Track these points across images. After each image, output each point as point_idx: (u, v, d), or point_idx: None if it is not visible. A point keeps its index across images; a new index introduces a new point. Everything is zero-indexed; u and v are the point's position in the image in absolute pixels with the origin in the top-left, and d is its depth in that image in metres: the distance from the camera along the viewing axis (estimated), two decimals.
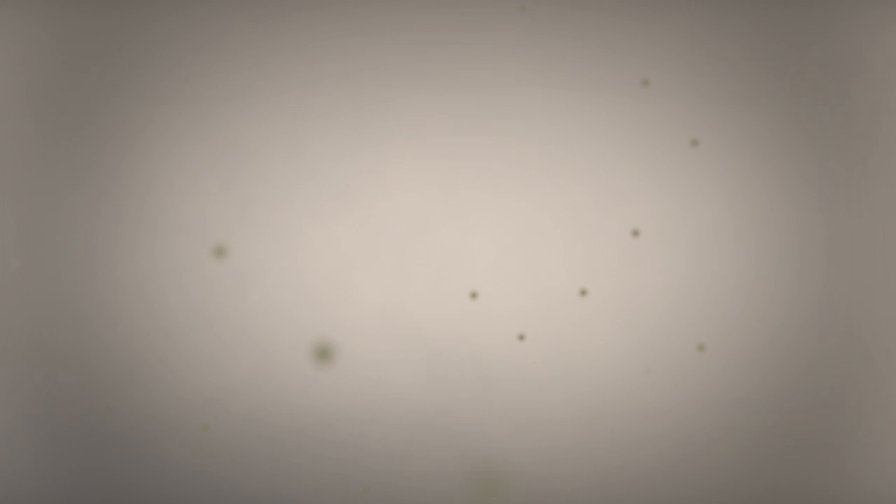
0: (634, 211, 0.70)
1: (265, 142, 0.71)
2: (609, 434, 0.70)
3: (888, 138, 0.69)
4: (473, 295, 0.70)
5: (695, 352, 0.70)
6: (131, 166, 0.71)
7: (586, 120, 0.70)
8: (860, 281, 0.69)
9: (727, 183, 0.70)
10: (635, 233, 0.69)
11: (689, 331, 0.70)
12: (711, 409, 0.70)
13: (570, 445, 0.70)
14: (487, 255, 0.70)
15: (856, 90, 0.69)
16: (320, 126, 0.71)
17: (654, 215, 0.70)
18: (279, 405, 0.70)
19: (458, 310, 0.70)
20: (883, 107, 0.69)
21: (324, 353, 0.70)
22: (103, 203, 0.71)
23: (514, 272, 0.70)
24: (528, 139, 0.70)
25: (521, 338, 0.70)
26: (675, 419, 0.70)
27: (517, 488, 0.70)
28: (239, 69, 0.71)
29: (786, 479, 0.70)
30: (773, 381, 0.70)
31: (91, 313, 0.70)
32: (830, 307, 0.69)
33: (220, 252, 0.70)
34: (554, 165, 0.70)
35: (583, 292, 0.70)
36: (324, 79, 0.71)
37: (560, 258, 0.70)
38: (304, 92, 0.71)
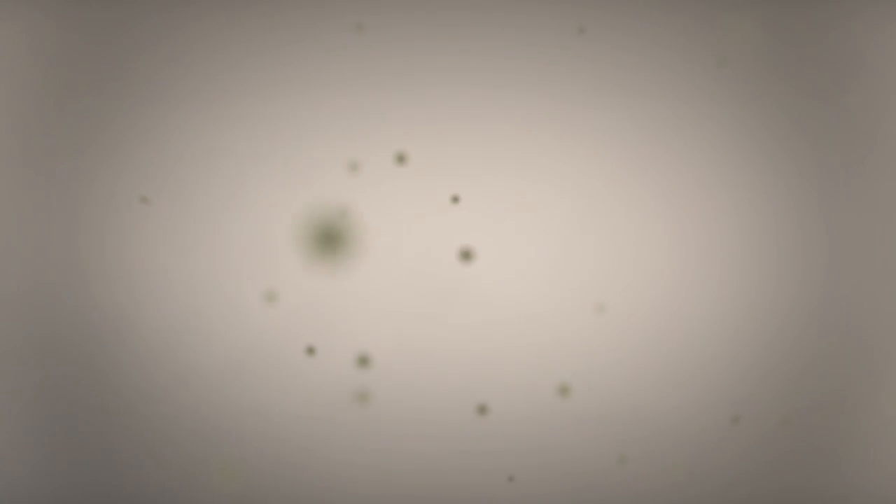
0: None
1: (255, 143, 0.70)
2: (607, 434, 0.70)
3: (888, 138, 0.69)
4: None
5: (693, 354, 0.70)
6: (124, 163, 0.70)
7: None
8: (860, 281, 0.69)
9: (727, 183, 0.70)
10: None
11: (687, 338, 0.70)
12: (711, 410, 0.70)
13: (567, 445, 0.70)
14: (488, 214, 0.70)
15: (856, 90, 0.69)
16: (314, 123, 0.70)
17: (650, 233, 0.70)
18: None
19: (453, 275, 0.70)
20: (883, 107, 0.69)
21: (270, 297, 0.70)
22: (95, 200, 0.70)
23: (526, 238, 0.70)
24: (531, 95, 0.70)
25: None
26: (674, 420, 0.70)
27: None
28: (233, 67, 0.70)
29: (786, 479, 0.70)
30: (772, 381, 0.70)
31: (86, 312, 0.70)
32: (830, 307, 0.70)
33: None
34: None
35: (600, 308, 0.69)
36: (317, 77, 0.70)
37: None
38: (296, 90, 0.70)
